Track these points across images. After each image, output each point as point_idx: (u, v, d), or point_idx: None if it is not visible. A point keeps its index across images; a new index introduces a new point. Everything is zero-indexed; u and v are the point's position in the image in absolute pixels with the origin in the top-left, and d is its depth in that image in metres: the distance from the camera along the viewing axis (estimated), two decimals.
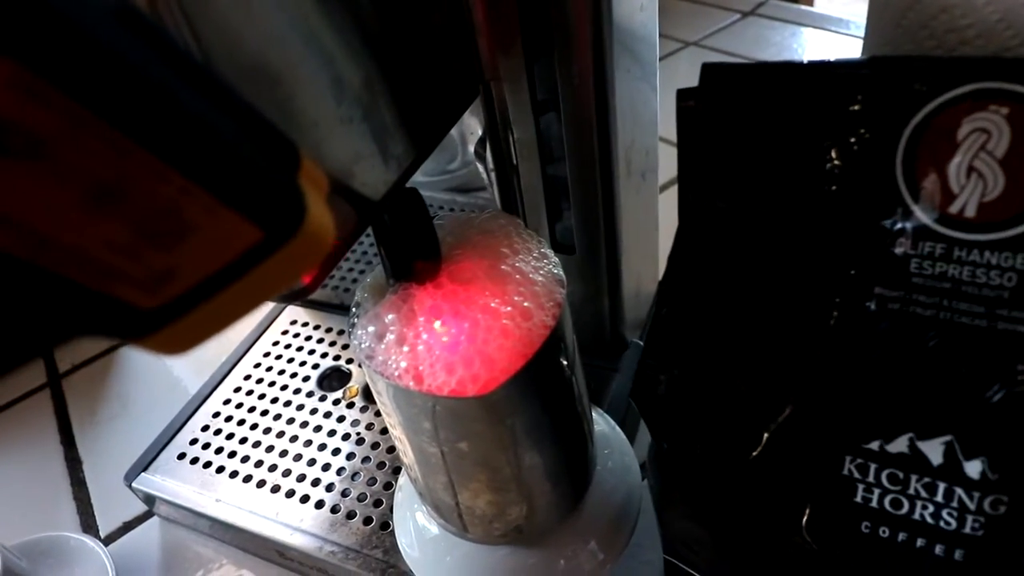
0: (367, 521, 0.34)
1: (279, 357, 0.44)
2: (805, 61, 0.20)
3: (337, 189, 0.21)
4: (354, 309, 0.23)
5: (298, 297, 0.20)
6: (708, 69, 0.21)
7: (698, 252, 0.22)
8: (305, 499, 0.36)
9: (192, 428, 0.41)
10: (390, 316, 0.21)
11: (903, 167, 0.19)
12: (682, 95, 0.21)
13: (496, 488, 0.24)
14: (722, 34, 0.82)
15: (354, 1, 0.20)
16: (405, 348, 0.20)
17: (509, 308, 0.20)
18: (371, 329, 0.21)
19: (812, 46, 0.79)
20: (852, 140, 0.19)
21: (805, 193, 0.20)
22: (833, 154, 0.20)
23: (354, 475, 0.36)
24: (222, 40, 0.16)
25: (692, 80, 0.21)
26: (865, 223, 0.19)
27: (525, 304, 0.21)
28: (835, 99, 0.19)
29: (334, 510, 0.35)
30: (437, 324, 0.20)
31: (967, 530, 0.19)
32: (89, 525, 0.43)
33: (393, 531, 0.32)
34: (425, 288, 0.21)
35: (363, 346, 0.21)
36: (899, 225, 0.19)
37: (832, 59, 0.19)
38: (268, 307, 0.49)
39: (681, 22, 0.85)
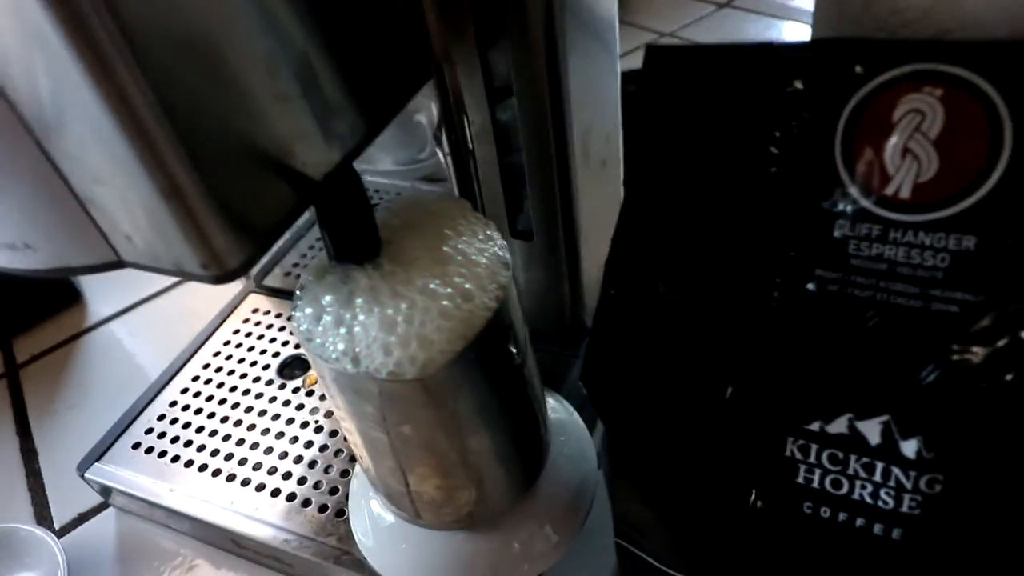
0: (322, 509, 0.34)
1: (239, 345, 0.44)
2: (748, 44, 0.20)
3: (275, 167, 0.20)
4: (297, 292, 0.23)
5: (233, 278, 0.20)
6: (651, 52, 0.21)
7: (643, 233, 0.22)
8: (261, 487, 0.35)
9: (148, 417, 0.40)
10: (328, 297, 0.21)
11: (842, 149, 0.19)
12: (626, 78, 0.21)
13: (443, 473, 0.24)
14: (697, 25, 0.82)
15: None
16: (342, 330, 0.20)
17: (449, 289, 0.20)
18: (309, 311, 0.21)
19: (789, 38, 0.79)
20: (793, 122, 0.19)
21: (747, 175, 0.20)
22: (774, 136, 0.19)
23: (311, 463, 0.36)
24: (142, 6, 0.16)
25: None
26: (805, 205, 0.19)
27: (466, 286, 0.20)
28: (777, 81, 0.19)
29: (290, 498, 0.35)
30: (375, 306, 0.20)
31: (904, 509, 0.19)
32: (43, 516, 0.42)
33: (348, 519, 0.32)
34: (364, 269, 0.21)
35: (302, 328, 0.21)
36: (838, 207, 0.19)
37: (774, 41, 0.19)
38: (230, 295, 0.48)
39: (657, 13, 0.85)
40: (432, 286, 0.20)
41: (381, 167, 0.60)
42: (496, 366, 0.23)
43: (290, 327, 0.43)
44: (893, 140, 0.18)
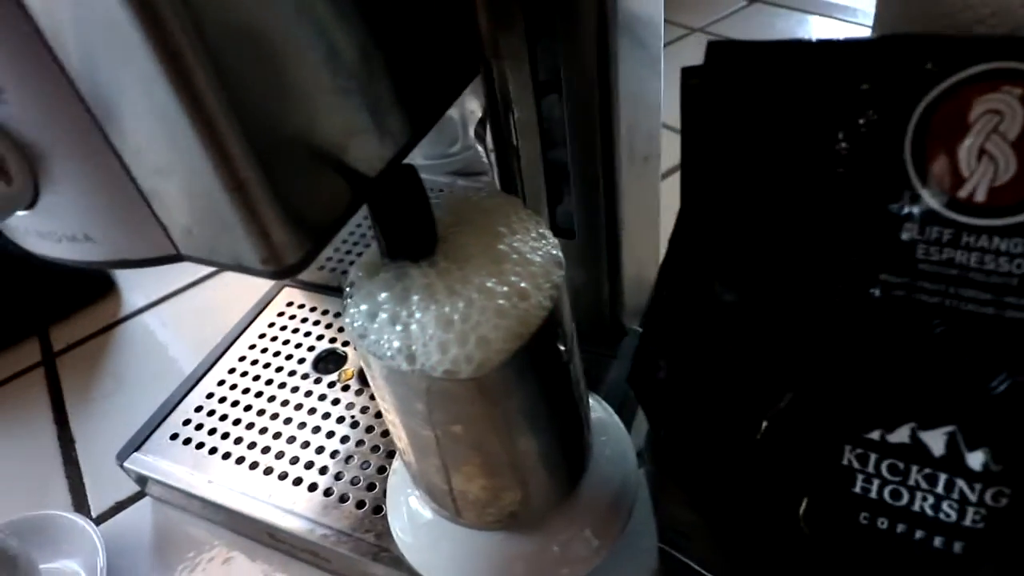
0: (360, 505, 0.34)
1: (274, 339, 0.44)
2: (814, 39, 0.19)
3: (332, 163, 0.20)
4: (348, 288, 0.23)
5: (290, 274, 0.20)
6: (714, 47, 0.20)
7: (700, 235, 0.21)
8: (298, 482, 0.35)
9: (186, 409, 0.40)
10: (383, 295, 0.21)
11: (912, 150, 0.18)
12: (687, 73, 0.20)
13: (490, 473, 0.23)
14: (728, 21, 0.81)
15: None
16: (398, 327, 0.20)
17: (505, 288, 0.20)
18: (363, 308, 0.21)
19: (818, 34, 0.78)
20: (860, 121, 0.19)
21: (811, 176, 0.20)
22: (840, 136, 0.19)
23: (348, 458, 0.36)
24: (215, 4, 0.16)
25: None
26: (871, 207, 0.19)
27: (522, 284, 0.20)
28: (844, 79, 0.19)
29: (327, 493, 0.35)
30: (431, 304, 0.20)
31: (967, 522, 0.19)
32: (81, 504, 0.43)
33: (385, 515, 0.32)
34: (420, 267, 0.21)
35: (355, 325, 0.21)
36: (906, 210, 0.18)
37: (841, 38, 0.19)
38: (264, 288, 0.48)
39: (687, 8, 0.84)
40: (489, 284, 0.20)
41: (412, 161, 0.60)
42: (548, 366, 0.22)
43: (337, 324, 0.43)
44: (968, 141, 0.17)
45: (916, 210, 0.18)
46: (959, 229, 0.18)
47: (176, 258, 0.21)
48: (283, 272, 0.19)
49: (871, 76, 0.18)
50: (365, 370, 0.23)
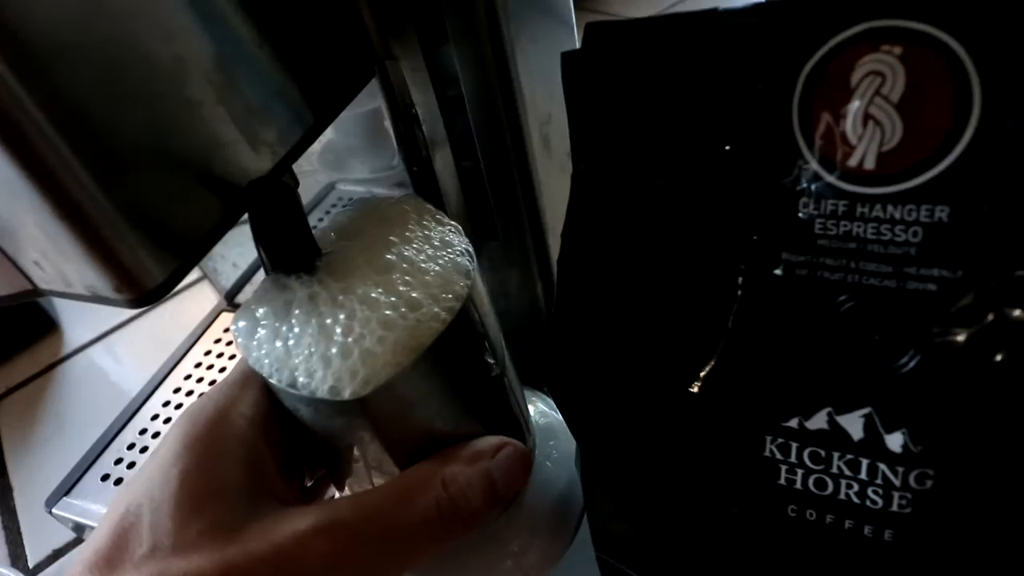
0: None
1: (210, 367, 0.42)
2: (691, 12, 0.18)
3: (193, 177, 0.19)
4: (241, 305, 0.21)
5: (155, 298, 0.18)
6: (591, 29, 0.19)
7: (594, 225, 0.20)
8: None
9: (118, 447, 0.39)
10: (261, 310, 0.19)
11: (800, 120, 0.17)
12: (565, 59, 0.19)
13: None
14: (683, 7, 0.81)
15: None
16: (278, 343, 0.19)
17: (393, 298, 0.19)
18: (242, 324, 0.19)
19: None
20: (746, 94, 0.18)
21: (700, 154, 0.18)
22: (727, 110, 0.18)
23: None
24: (25, 14, 0.14)
25: None
26: (765, 183, 0.18)
27: (413, 295, 0.19)
28: (725, 51, 0.18)
29: None
30: (312, 317, 0.18)
31: (894, 508, 0.18)
32: (18, 556, 0.41)
33: None
34: (301, 279, 0.19)
35: (239, 341, 0.19)
36: (801, 184, 0.17)
37: (718, 8, 0.18)
38: (200, 315, 0.47)
39: (630, 1, 0.84)
40: (374, 295, 0.19)
41: (357, 175, 0.59)
42: (461, 376, 0.21)
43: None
44: (853, 106, 0.16)
45: (811, 184, 0.17)
46: (853, 200, 0.17)
47: (36, 293, 0.19)
48: (143, 298, 0.18)
49: (753, 45, 0.17)
50: None
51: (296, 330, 0.19)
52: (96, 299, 0.18)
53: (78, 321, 0.58)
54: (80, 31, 0.16)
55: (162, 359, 0.44)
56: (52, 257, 0.17)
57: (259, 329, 0.19)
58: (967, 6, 0.15)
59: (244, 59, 0.20)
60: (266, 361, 0.19)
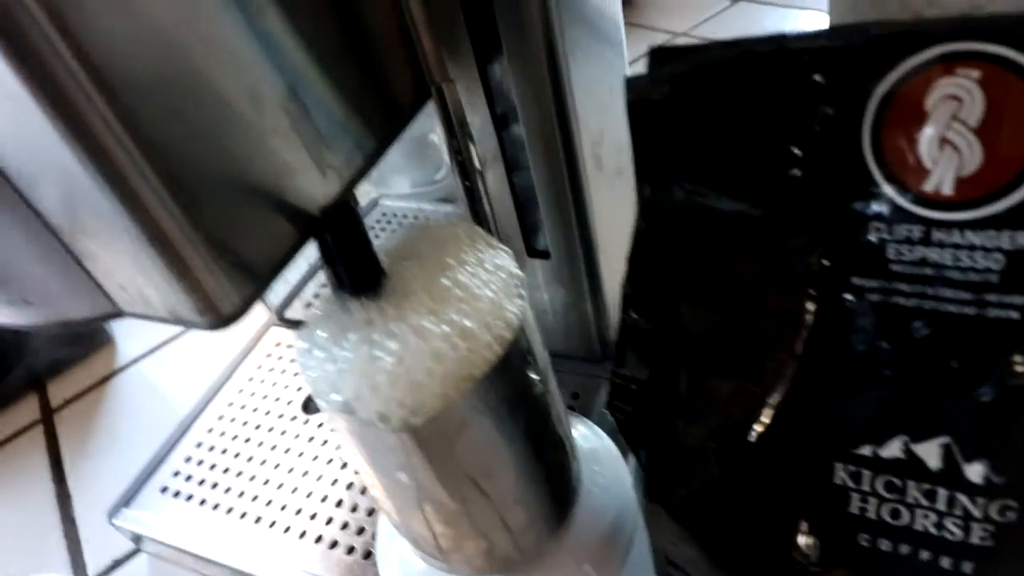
0: (350, 551, 0.33)
1: (262, 381, 0.43)
2: (758, 37, 0.18)
3: (269, 204, 0.19)
4: (305, 323, 0.22)
5: (231, 322, 0.19)
6: (655, 53, 0.19)
7: (660, 251, 0.20)
8: (287, 530, 0.34)
9: (175, 460, 0.40)
10: (320, 332, 0.20)
11: (871, 145, 0.17)
12: (630, 84, 0.20)
13: (448, 520, 0.22)
14: (712, 22, 0.81)
15: (268, 7, 0.19)
16: (330, 366, 0.19)
17: (446, 328, 0.19)
18: (304, 345, 0.20)
19: (807, 28, 0.77)
20: (814, 119, 0.18)
21: (769, 180, 0.18)
22: (795, 135, 0.18)
23: (337, 502, 0.35)
24: (113, 44, 0.15)
25: None
26: (836, 209, 0.18)
27: (466, 323, 0.19)
28: (792, 75, 0.18)
29: (318, 540, 0.34)
30: (364, 344, 0.19)
31: (974, 540, 0.17)
32: (78, 564, 0.42)
33: (374, 560, 0.31)
34: (360, 303, 0.20)
35: (299, 361, 0.20)
36: (872, 209, 0.17)
37: (787, 32, 0.18)
38: (250, 329, 0.48)
39: (669, 12, 0.83)
40: (426, 324, 0.19)
41: (398, 190, 0.60)
42: (511, 405, 0.21)
43: None
44: (928, 131, 0.16)
45: (882, 208, 0.17)
46: (929, 225, 0.17)
47: (117, 314, 0.20)
48: (222, 322, 0.18)
49: (821, 69, 0.17)
50: None
51: (349, 355, 0.19)
52: (177, 321, 0.19)
53: (131, 335, 0.60)
54: (164, 65, 0.16)
55: (212, 372, 0.45)
56: (138, 282, 0.18)
57: (316, 351, 0.20)
58: None
59: (313, 89, 0.20)
60: (321, 382, 0.20)
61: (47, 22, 0.14)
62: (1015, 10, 0.17)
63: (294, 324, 0.47)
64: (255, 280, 0.19)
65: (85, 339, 0.58)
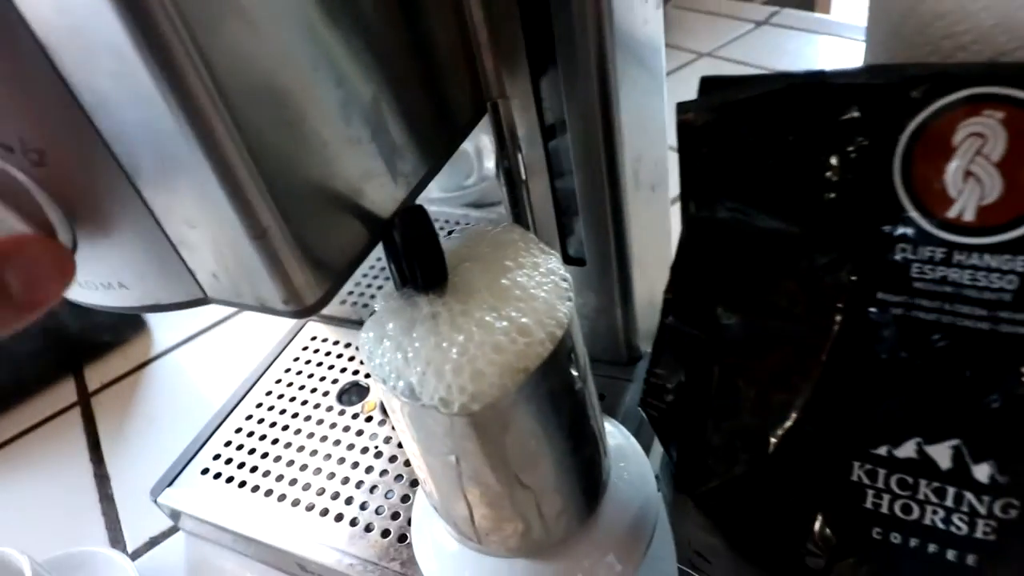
0: (385, 534, 0.34)
1: (299, 373, 0.45)
2: (800, 73, 0.20)
3: (348, 208, 0.21)
4: (370, 315, 0.24)
5: (310, 313, 0.21)
6: (706, 82, 0.21)
7: (701, 262, 0.22)
8: (324, 512, 0.36)
9: (215, 443, 0.42)
10: (391, 324, 0.22)
11: (901, 174, 0.19)
12: (681, 108, 0.21)
13: (490, 503, 0.24)
14: (737, 44, 0.83)
15: (360, 23, 0.21)
16: (399, 355, 0.21)
17: (505, 323, 0.21)
18: (371, 334, 0.22)
19: (827, 53, 0.79)
20: (850, 148, 0.19)
21: (805, 202, 0.20)
22: (832, 162, 0.20)
23: (372, 488, 0.37)
24: (233, 64, 0.17)
25: None
26: (865, 230, 0.20)
27: (523, 320, 0.21)
28: (832, 108, 0.20)
29: (353, 523, 0.35)
30: (432, 335, 0.21)
31: (979, 535, 0.19)
32: (117, 540, 0.44)
33: (410, 543, 0.32)
34: (428, 298, 0.22)
35: (365, 348, 0.22)
36: (899, 231, 0.19)
37: (828, 69, 0.20)
38: (288, 324, 0.50)
39: (695, 33, 0.85)
40: (488, 319, 0.21)
41: (429, 195, 0.62)
42: (555, 398, 0.23)
43: (360, 357, 0.44)
44: (954, 164, 0.18)
45: (908, 231, 0.19)
46: (951, 248, 0.18)
47: (203, 301, 0.22)
48: (304, 312, 0.20)
49: (858, 104, 0.19)
50: (381, 397, 0.23)
51: (417, 344, 0.21)
52: (263, 309, 0.21)
53: (166, 324, 0.62)
54: (270, 81, 0.18)
55: (246, 364, 0.48)
56: (233, 272, 0.20)
57: (385, 340, 0.22)
58: None
59: (390, 104, 0.22)
60: (387, 369, 0.22)
61: (189, 42, 0.16)
62: None
63: (330, 319, 0.49)
64: (335, 275, 0.21)
65: (122, 326, 0.61)
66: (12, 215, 0.18)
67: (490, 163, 0.58)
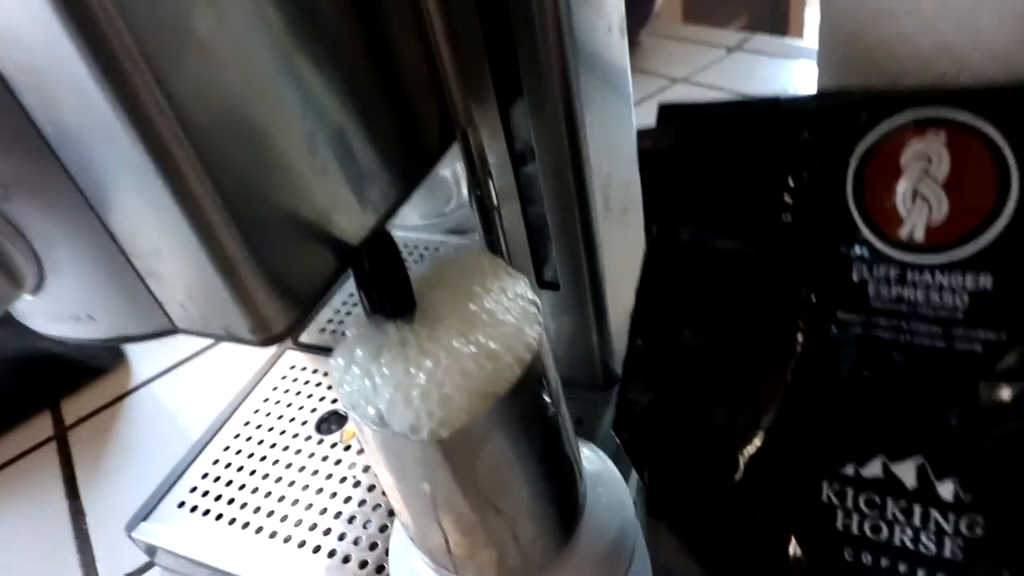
0: (363, 565, 0.34)
1: (278, 403, 0.45)
2: (755, 99, 0.21)
3: (315, 236, 0.22)
4: (340, 343, 0.24)
5: (278, 341, 0.21)
6: (664, 109, 0.22)
7: (666, 284, 0.22)
8: (302, 544, 0.36)
9: (192, 476, 0.41)
10: (359, 351, 0.22)
11: (854, 195, 0.19)
12: (640, 135, 0.22)
13: (465, 531, 0.24)
14: (709, 70, 0.84)
15: (326, 54, 0.21)
16: (367, 382, 0.21)
17: (473, 349, 0.21)
18: (340, 361, 0.22)
19: (800, 78, 0.80)
20: (804, 171, 0.20)
21: (764, 223, 0.21)
22: (788, 184, 0.20)
23: (350, 518, 0.36)
24: (195, 96, 0.17)
25: None
26: (822, 250, 0.20)
27: (492, 345, 0.21)
28: (785, 132, 0.20)
29: (331, 554, 0.35)
30: (400, 361, 0.21)
31: (947, 554, 0.19)
32: None
33: (388, 574, 0.32)
34: (396, 325, 0.22)
35: (335, 376, 0.22)
36: (855, 251, 0.20)
37: (780, 95, 0.20)
38: (267, 353, 0.49)
39: (670, 60, 0.87)
40: (456, 344, 0.21)
41: (408, 221, 0.62)
42: (527, 423, 0.23)
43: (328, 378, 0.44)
44: (903, 184, 0.19)
45: (864, 251, 0.19)
46: (904, 267, 0.19)
47: (171, 332, 0.22)
48: (271, 340, 0.21)
49: (809, 128, 0.20)
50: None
51: (385, 371, 0.21)
52: (230, 338, 0.21)
53: (144, 356, 0.61)
54: (234, 111, 0.19)
55: (224, 395, 0.47)
56: (200, 302, 0.20)
57: (353, 367, 0.22)
58: (1004, 100, 0.18)
59: (357, 134, 0.23)
60: (356, 396, 0.22)
61: (149, 75, 0.16)
62: (975, 83, 0.19)
63: (308, 348, 0.48)
64: (303, 303, 0.21)
65: (99, 359, 0.60)
66: None
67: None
